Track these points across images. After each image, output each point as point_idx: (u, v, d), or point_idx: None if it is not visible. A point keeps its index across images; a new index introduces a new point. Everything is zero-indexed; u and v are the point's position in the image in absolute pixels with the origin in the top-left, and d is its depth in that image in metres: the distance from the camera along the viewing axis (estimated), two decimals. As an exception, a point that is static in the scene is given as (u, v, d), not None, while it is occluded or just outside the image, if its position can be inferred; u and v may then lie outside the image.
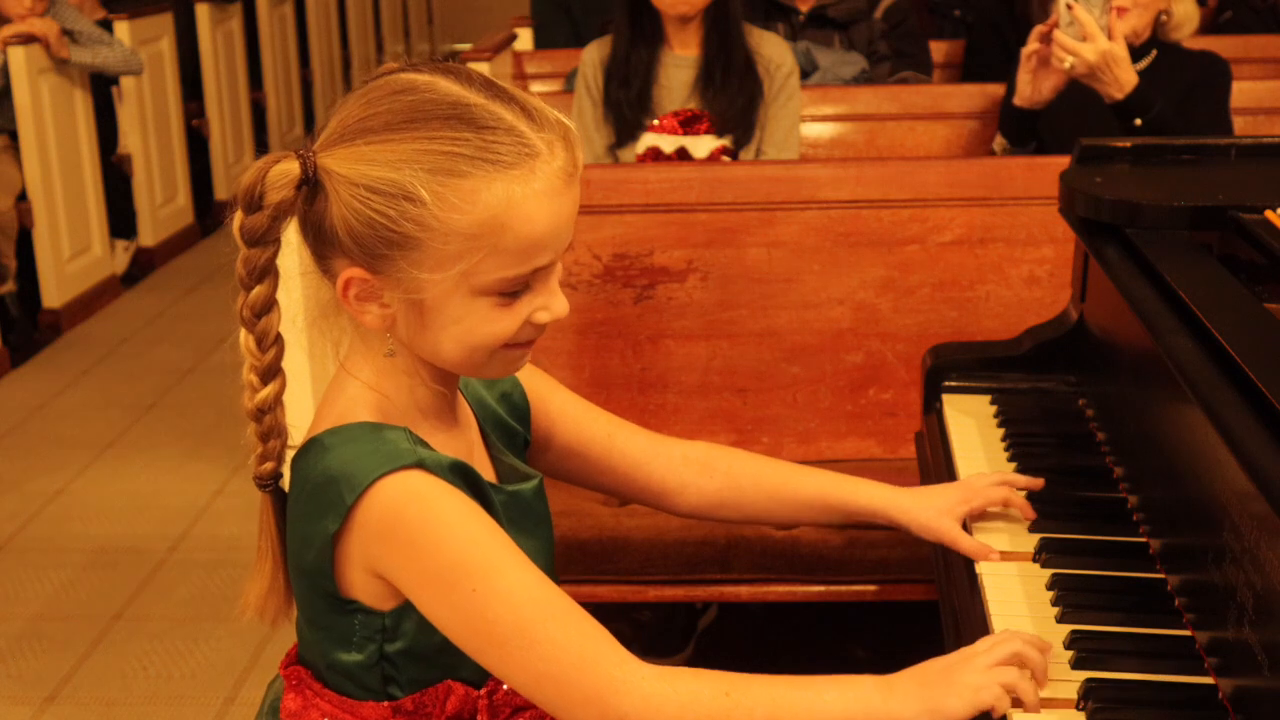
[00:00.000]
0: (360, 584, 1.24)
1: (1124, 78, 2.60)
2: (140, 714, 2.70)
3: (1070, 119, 2.80)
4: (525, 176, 1.17)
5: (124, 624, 3.02)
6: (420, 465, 1.20)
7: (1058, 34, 2.62)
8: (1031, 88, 2.75)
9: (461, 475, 1.24)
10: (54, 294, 4.99)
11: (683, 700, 1.18)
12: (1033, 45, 2.73)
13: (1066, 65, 2.62)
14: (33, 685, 2.79)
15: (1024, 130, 2.82)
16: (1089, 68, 2.60)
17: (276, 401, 1.27)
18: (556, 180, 1.19)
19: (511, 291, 1.20)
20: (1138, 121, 2.60)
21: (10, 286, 4.90)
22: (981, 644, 1.25)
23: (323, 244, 1.21)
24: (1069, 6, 2.60)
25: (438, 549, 1.18)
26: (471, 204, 1.15)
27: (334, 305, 1.26)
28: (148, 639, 2.95)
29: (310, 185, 1.19)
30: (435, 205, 1.15)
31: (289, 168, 1.17)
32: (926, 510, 1.55)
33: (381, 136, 1.17)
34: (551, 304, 1.23)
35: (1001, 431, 1.79)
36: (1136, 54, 2.73)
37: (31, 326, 4.96)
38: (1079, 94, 2.74)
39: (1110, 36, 2.59)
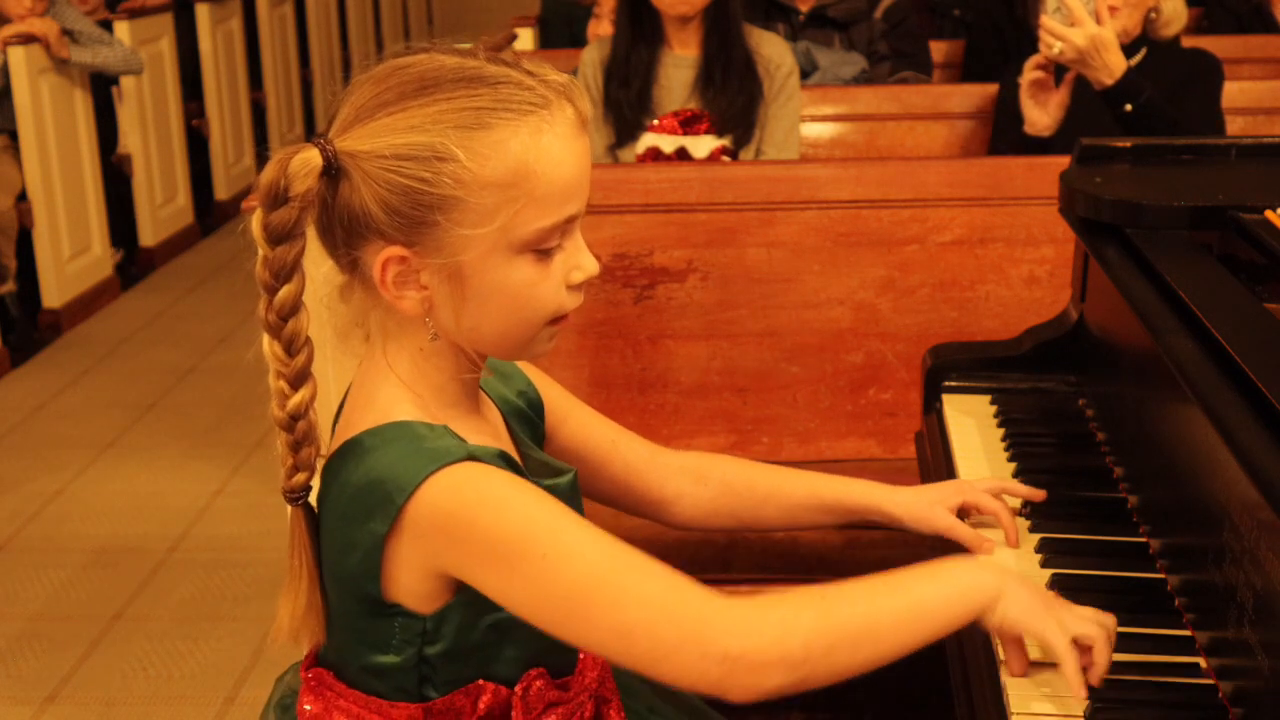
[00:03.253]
0: (407, 586, 1.22)
1: (1113, 63, 2.59)
2: (140, 714, 2.70)
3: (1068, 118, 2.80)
4: (546, 121, 1.19)
5: (124, 624, 3.02)
6: (471, 458, 1.20)
7: (1045, 19, 2.62)
8: (1039, 113, 2.74)
9: (509, 464, 1.24)
10: (54, 294, 4.99)
11: (784, 622, 1.16)
12: (1030, 75, 2.72)
13: (1055, 51, 2.61)
14: (33, 685, 2.79)
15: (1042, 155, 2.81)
16: (1078, 53, 2.59)
17: (310, 407, 1.25)
18: (572, 126, 1.21)
19: (547, 247, 1.21)
20: (1128, 108, 2.59)
21: (10, 286, 4.90)
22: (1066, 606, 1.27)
23: (352, 233, 1.20)
24: None
25: (499, 525, 1.17)
26: (502, 154, 1.17)
27: (361, 307, 1.25)
28: (148, 639, 2.95)
29: (332, 173, 1.18)
30: (469, 160, 1.16)
31: (309, 156, 1.17)
32: (920, 503, 1.55)
33: (399, 106, 1.18)
34: (583, 262, 1.25)
35: (1001, 431, 1.79)
36: (1126, 52, 2.73)
37: (31, 326, 4.96)
38: (1076, 93, 2.74)
39: (1098, 21, 2.59)
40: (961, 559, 1.24)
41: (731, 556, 2.16)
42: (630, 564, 1.18)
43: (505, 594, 1.18)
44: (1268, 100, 3.18)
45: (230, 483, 3.73)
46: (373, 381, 1.27)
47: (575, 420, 1.50)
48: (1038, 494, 1.57)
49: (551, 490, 1.30)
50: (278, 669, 1.45)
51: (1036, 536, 1.51)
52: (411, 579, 1.22)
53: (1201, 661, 1.25)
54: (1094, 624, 1.22)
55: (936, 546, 1.66)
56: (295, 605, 1.30)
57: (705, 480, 1.56)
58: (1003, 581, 1.23)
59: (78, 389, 4.48)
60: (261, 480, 3.72)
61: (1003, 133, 2.94)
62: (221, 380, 4.45)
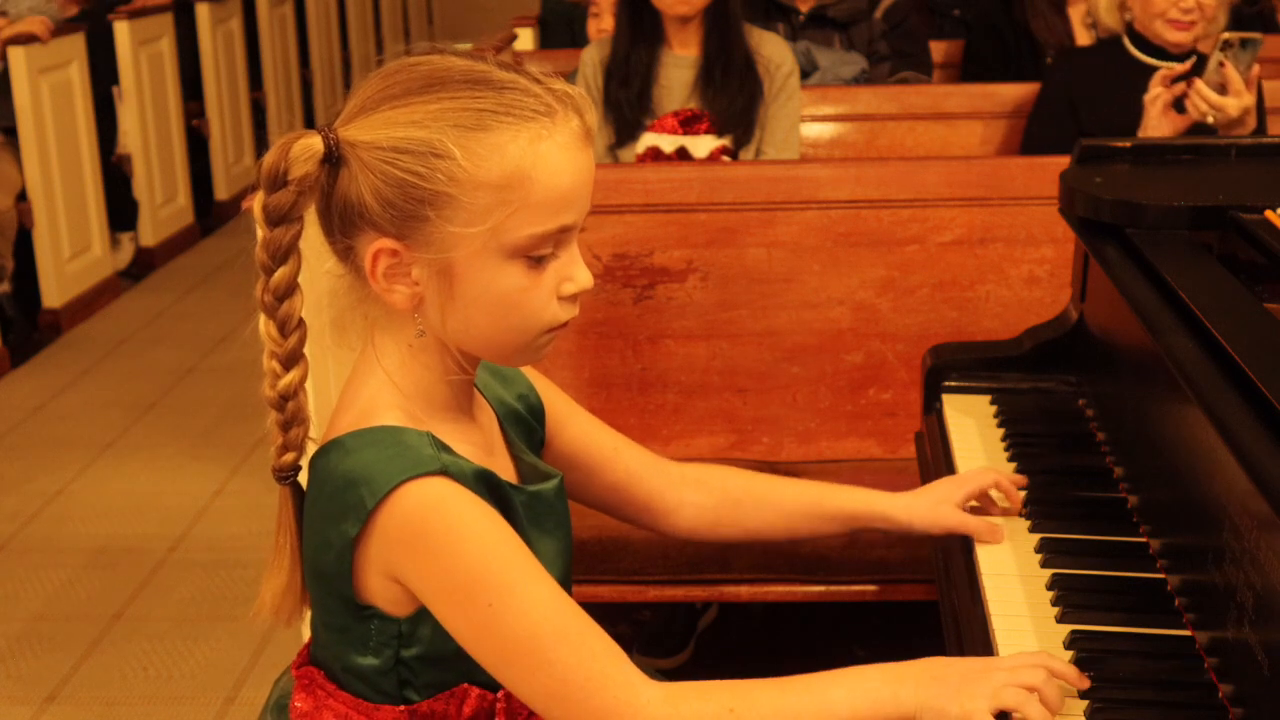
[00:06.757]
0: (378, 589, 1.24)
1: (1251, 123, 2.69)
2: (140, 714, 2.70)
3: (1112, 110, 2.83)
4: (547, 129, 1.19)
5: (124, 624, 3.02)
6: (444, 472, 1.20)
7: (1202, 88, 2.67)
8: (1158, 131, 2.78)
9: (484, 482, 1.24)
10: (54, 294, 4.99)
11: (699, 715, 1.18)
12: (1157, 90, 2.75)
13: (1210, 120, 2.68)
14: (33, 685, 2.79)
15: None
16: (1228, 119, 2.67)
17: (300, 388, 1.27)
18: (575, 137, 1.21)
19: (539, 255, 1.21)
20: None
21: (8, 287, 4.90)
22: (1008, 658, 1.25)
23: (348, 222, 1.21)
24: (1221, 64, 2.64)
25: (457, 559, 1.18)
26: (500, 156, 1.17)
27: (354, 298, 1.26)
28: (148, 639, 2.95)
29: (332, 161, 1.19)
30: (465, 159, 1.17)
31: (311, 142, 1.18)
32: (924, 505, 1.56)
33: (403, 101, 1.19)
34: (576, 274, 1.24)
35: (1001, 431, 1.79)
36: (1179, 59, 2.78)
37: (31, 326, 4.96)
38: (1124, 85, 2.77)
39: (1247, 85, 2.66)
40: (886, 668, 1.22)
41: (731, 557, 2.16)
42: (568, 633, 1.19)
43: (446, 620, 1.21)
44: (1268, 100, 3.18)
45: (230, 483, 3.73)
46: (361, 378, 1.28)
47: (576, 426, 1.50)
48: (1019, 480, 1.60)
49: (535, 496, 1.31)
50: (277, 669, 1.45)
51: (1036, 536, 1.51)
52: (379, 582, 1.23)
53: (1202, 661, 1.26)
54: (1020, 691, 1.18)
55: (936, 543, 1.66)
56: (277, 583, 1.32)
57: (707, 489, 1.56)
58: (919, 696, 1.20)
59: (78, 389, 4.48)
60: (261, 480, 3.71)
61: (1047, 126, 2.97)
62: (221, 380, 4.44)
